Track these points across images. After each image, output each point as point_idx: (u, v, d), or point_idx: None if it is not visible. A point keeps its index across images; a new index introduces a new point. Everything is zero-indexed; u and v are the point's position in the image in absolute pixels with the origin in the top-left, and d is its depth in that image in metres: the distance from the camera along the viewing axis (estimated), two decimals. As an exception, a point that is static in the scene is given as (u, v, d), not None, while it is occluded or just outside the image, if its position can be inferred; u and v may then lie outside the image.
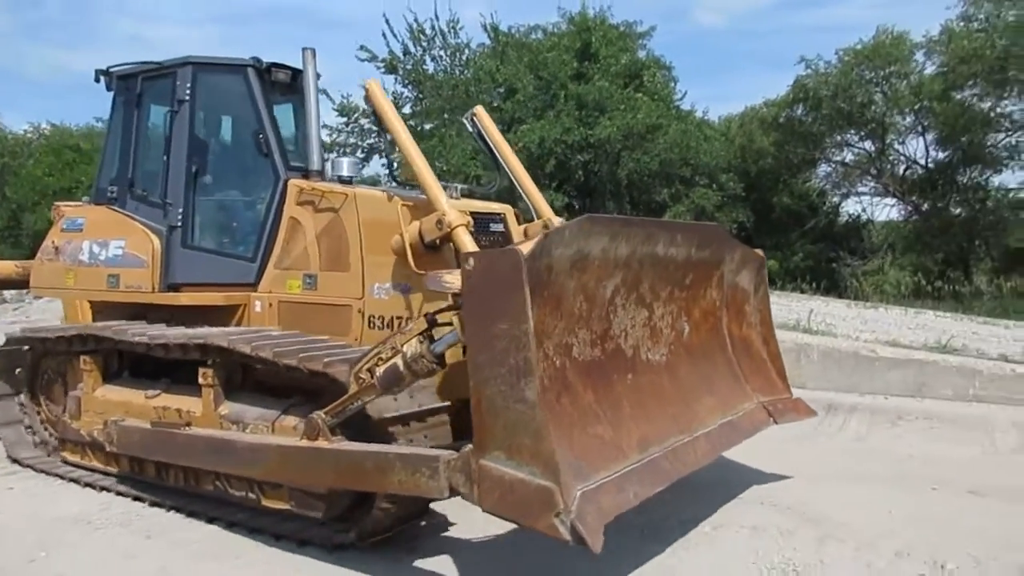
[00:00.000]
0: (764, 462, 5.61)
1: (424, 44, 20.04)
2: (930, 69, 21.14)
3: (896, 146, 22.31)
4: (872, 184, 22.89)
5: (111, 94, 5.97)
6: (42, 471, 5.59)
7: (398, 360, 3.61)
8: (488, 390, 3.13)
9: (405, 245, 4.50)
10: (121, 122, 5.90)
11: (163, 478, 4.96)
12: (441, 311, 3.61)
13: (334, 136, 20.20)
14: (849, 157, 23.20)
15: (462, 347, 3.44)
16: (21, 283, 6.73)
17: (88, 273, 5.75)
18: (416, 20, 19.93)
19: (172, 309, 5.44)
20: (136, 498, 5.01)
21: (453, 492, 3.35)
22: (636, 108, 18.98)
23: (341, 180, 5.26)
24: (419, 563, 4.00)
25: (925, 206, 21.85)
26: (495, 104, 18.72)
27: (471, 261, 3.19)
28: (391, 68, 20.03)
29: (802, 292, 16.43)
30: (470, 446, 3.28)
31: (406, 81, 20.18)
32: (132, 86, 5.80)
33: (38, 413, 5.95)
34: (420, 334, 3.59)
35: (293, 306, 5.14)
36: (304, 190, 5.17)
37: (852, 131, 22.23)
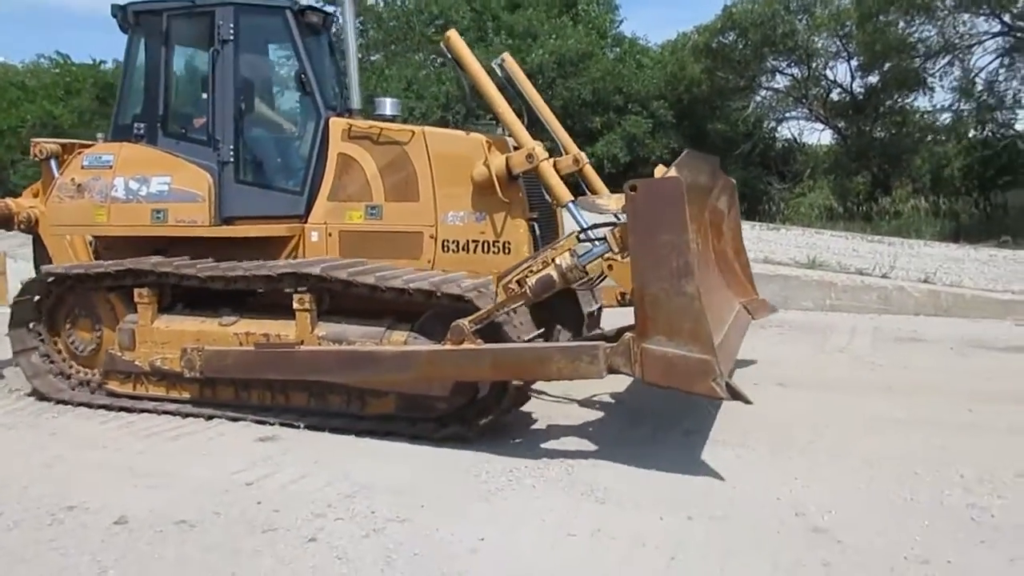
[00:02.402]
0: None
1: None
2: (851, -5, 22.61)
3: (825, 72, 23.87)
4: (803, 110, 24.50)
5: (126, 31, 6.22)
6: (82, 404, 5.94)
7: (551, 271, 4.53)
8: (652, 288, 4.21)
9: (492, 176, 5.25)
10: (144, 60, 6.18)
11: (243, 398, 5.54)
12: (589, 228, 4.69)
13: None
14: (782, 83, 24.68)
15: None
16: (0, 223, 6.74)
17: (126, 209, 6.06)
18: None
19: (220, 241, 5.84)
20: (209, 417, 5.54)
21: (612, 372, 4.39)
22: (567, 36, 19.92)
23: (383, 118, 5.93)
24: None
25: (851, 130, 23.64)
26: (434, 36, 19.22)
27: (636, 187, 4.22)
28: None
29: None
30: (629, 334, 4.34)
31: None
32: (156, 24, 6.07)
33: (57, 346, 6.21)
34: (570, 249, 4.53)
35: (356, 235, 5.77)
36: (355, 127, 5.78)
37: (781, 58, 23.61)
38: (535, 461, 4.68)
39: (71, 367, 6.14)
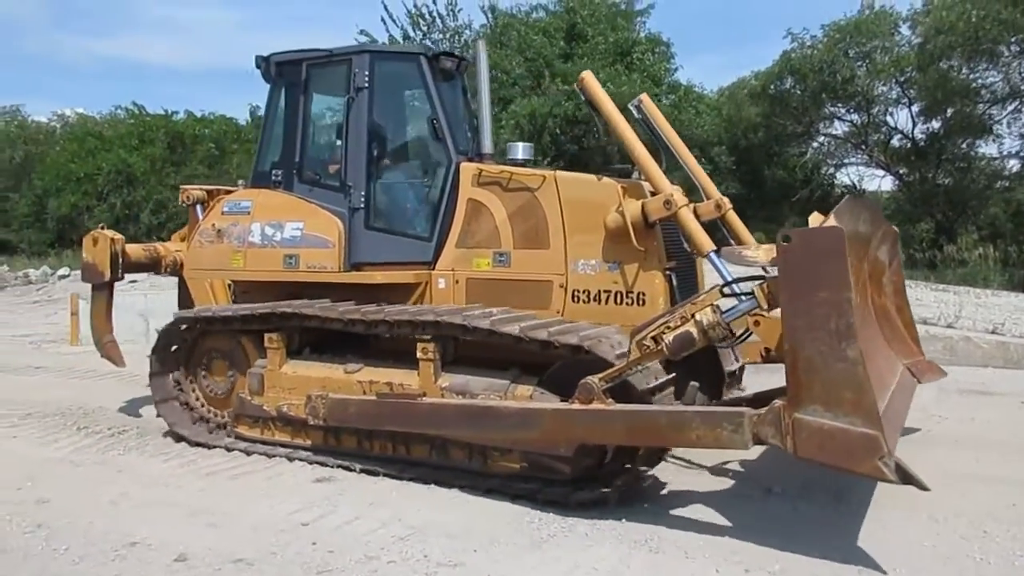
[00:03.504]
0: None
1: (424, 28, 20.85)
2: (914, 41, 22.47)
3: (885, 118, 23.66)
4: (863, 156, 24.28)
5: (269, 81, 6.39)
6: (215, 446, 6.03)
7: (691, 328, 4.25)
8: (806, 351, 3.83)
9: (627, 223, 5.08)
10: (284, 108, 6.31)
11: (365, 448, 5.47)
12: (734, 282, 4.33)
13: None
14: (840, 129, 24.51)
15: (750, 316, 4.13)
16: (148, 266, 7.00)
17: (261, 254, 6.15)
18: (415, 4, 20.87)
19: (348, 287, 5.89)
20: (340, 466, 5.48)
21: (757, 443, 4.04)
22: (620, 83, 20.16)
23: (515, 163, 5.85)
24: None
25: (913, 176, 23.32)
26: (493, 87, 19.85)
27: (791, 237, 3.86)
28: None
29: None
30: (778, 402, 3.97)
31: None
32: (296, 73, 6.20)
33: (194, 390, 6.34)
34: (712, 304, 4.23)
35: (483, 282, 5.71)
36: (485, 172, 5.72)
37: (840, 104, 23.47)
38: (589, 509, 4.61)
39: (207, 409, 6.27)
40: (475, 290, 5.71)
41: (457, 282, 5.78)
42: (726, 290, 4.38)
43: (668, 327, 4.31)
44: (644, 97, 6.11)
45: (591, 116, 5.64)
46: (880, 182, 25.94)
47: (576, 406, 4.50)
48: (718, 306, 4.27)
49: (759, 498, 4.94)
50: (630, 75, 22.61)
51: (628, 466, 4.81)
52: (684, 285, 5.41)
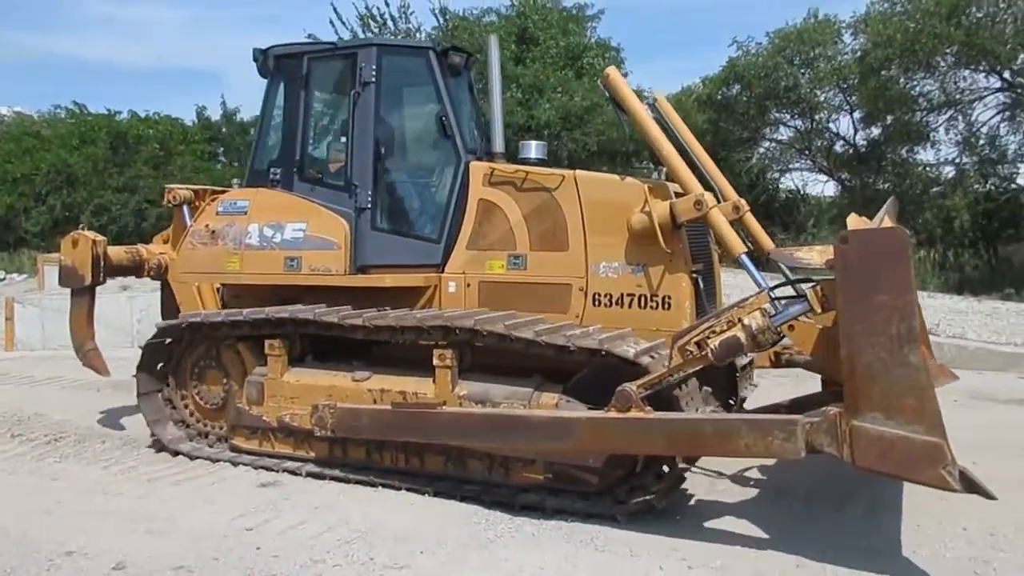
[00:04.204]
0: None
1: (375, 30, 20.42)
2: (856, 50, 23.02)
3: (828, 124, 24.13)
4: (806, 161, 24.74)
5: (266, 75, 6.03)
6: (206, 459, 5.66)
7: (738, 332, 4.05)
8: (865, 357, 3.67)
9: (654, 225, 4.86)
10: (284, 103, 5.94)
11: (375, 460, 5.17)
12: (788, 283, 4.16)
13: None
14: (785, 135, 24.93)
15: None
16: (131, 270, 6.55)
17: (259, 256, 5.78)
18: (366, 5, 20.39)
19: (353, 291, 5.57)
20: (337, 479, 5.20)
21: (812, 452, 3.86)
22: (572, 91, 20.18)
23: (528, 162, 5.59)
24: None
25: (855, 181, 23.87)
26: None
27: (849, 239, 3.71)
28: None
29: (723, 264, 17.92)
30: (833, 409, 3.81)
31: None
32: (296, 67, 5.84)
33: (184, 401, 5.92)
34: (761, 308, 4.05)
35: (497, 286, 5.43)
36: (498, 172, 5.45)
37: (784, 111, 23.88)
38: (536, 509, 4.59)
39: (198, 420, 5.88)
40: (488, 294, 5.43)
41: (469, 285, 5.50)
42: (773, 293, 4.16)
43: (714, 331, 4.11)
44: (659, 96, 5.90)
45: (615, 113, 5.38)
46: (823, 187, 26.51)
47: (613, 414, 4.28)
48: (767, 309, 4.07)
49: (703, 495, 4.94)
50: (579, 80, 22.71)
51: (666, 470, 4.58)
52: (707, 289, 5.23)
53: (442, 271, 5.57)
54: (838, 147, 24.46)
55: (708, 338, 4.12)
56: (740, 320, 4.07)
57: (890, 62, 22.05)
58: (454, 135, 5.60)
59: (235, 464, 5.47)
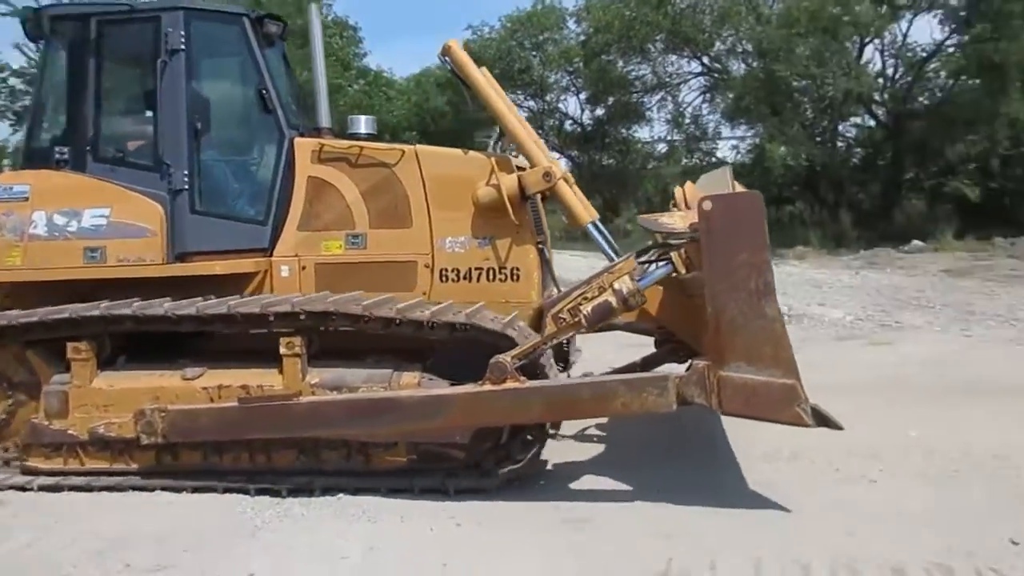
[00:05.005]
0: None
1: None
2: (580, 35, 24.65)
3: (558, 104, 25.63)
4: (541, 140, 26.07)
5: (38, 39, 5.25)
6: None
7: (609, 297, 4.19)
8: (729, 312, 3.98)
9: (503, 198, 4.84)
10: (68, 72, 5.11)
11: (214, 463, 4.70)
12: (651, 248, 4.27)
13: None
14: (519, 115, 25.97)
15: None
16: None
17: (49, 248, 4.93)
18: None
19: (172, 282, 4.97)
20: (167, 488, 4.67)
21: (682, 404, 4.10)
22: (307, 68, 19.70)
23: (358, 137, 5.33)
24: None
25: (583, 158, 25.60)
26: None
27: (709, 203, 3.98)
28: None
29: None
30: (701, 362, 4.09)
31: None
32: (82, 30, 5.03)
33: None
34: (630, 272, 4.22)
35: (335, 267, 5.13)
36: (329, 148, 5.16)
37: (519, 91, 24.93)
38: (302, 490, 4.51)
39: None
40: (326, 276, 5.10)
41: (304, 268, 5.13)
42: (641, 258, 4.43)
43: (585, 298, 4.23)
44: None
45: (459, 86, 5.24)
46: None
47: (488, 388, 4.24)
48: (635, 273, 4.24)
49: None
50: (287, 65, 22.06)
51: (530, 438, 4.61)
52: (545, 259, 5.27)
53: (271, 255, 5.15)
54: (568, 126, 26.12)
55: (580, 305, 4.22)
56: (611, 285, 4.21)
57: (609, 47, 23.85)
58: (275, 109, 5.16)
59: (24, 489, 4.67)
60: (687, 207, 4.73)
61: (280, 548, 3.82)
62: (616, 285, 4.20)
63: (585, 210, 5.01)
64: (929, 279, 14.00)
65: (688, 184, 4.84)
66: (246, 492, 4.51)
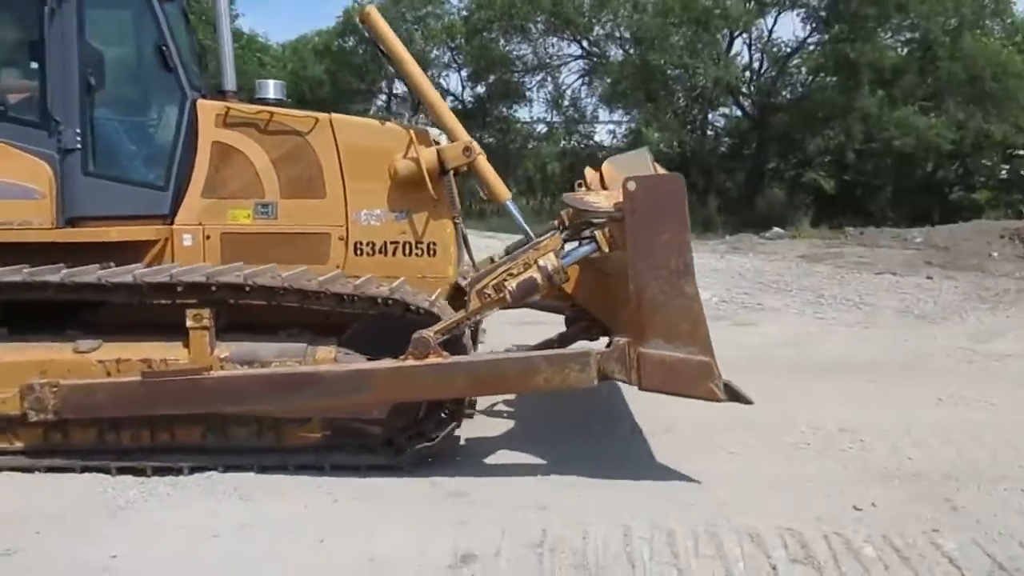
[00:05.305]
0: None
1: None
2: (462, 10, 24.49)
3: (440, 80, 25.33)
4: (421, 116, 25.70)
5: None
6: None
7: (534, 273, 4.21)
8: (650, 290, 4.09)
9: (422, 171, 4.74)
10: None
11: (109, 441, 4.44)
12: (576, 226, 4.38)
13: None
14: (401, 89, 25.58)
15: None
16: None
17: (-87, 211, 4.42)
18: None
19: (62, 248, 4.62)
20: (55, 468, 4.38)
21: (603, 379, 4.19)
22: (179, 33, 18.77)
23: (266, 102, 5.10)
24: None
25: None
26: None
27: (633, 184, 4.07)
28: None
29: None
30: (622, 339, 4.19)
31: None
32: None
33: None
34: (554, 250, 4.25)
35: (243, 237, 4.90)
36: (235, 112, 4.92)
37: (399, 65, 24.56)
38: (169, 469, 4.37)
39: None
40: (233, 246, 4.86)
41: (208, 237, 4.87)
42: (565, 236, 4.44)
43: (511, 274, 4.22)
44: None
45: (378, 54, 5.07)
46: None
47: (411, 362, 4.19)
48: (559, 251, 4.27)
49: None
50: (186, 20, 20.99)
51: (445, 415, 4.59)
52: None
53: (172, 222, 4.87)
54: (449, 103, 25.88)
55: (505, 281, 4.22)
56: (536, 262, 4.23)
57: (491, 24, 23.84)
58: (176, 68, 4.85)
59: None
60: (603, 187, 4.80)
61: (145, 528, 3.65)
62: (542, 262, 4.22)
63: (502, 188, 5.00)
64: (787, 264, 14.79)
65: (605, 165, 4.89)
66: (107, 472, 4.29)
